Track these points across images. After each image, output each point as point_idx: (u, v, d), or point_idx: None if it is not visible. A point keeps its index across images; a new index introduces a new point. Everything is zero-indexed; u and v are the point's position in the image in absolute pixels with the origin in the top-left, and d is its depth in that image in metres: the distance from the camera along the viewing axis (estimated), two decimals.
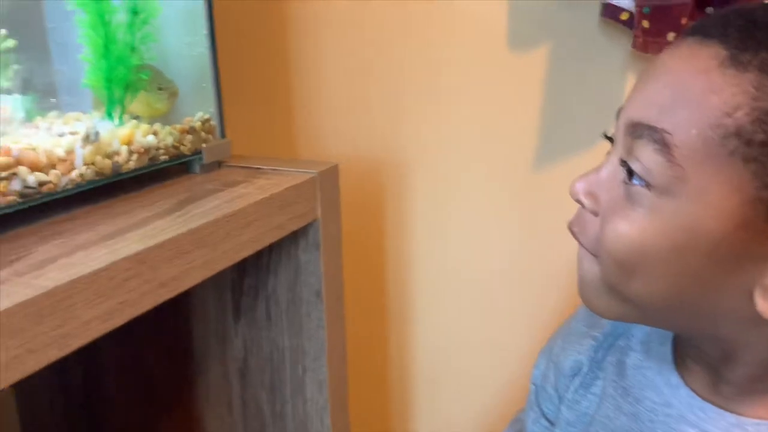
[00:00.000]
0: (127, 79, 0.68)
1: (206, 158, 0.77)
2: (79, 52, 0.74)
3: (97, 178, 0.64)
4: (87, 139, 0.63)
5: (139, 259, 0.52)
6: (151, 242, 0.54)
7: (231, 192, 0.69)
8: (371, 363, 1.08)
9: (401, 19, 0.98)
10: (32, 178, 0.58)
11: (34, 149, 0.58)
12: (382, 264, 1.06)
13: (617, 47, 0.85)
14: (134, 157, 0.68)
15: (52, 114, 0.76)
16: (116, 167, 0.66)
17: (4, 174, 0.55)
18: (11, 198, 0.56)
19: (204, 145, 0.77)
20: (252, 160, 0.82)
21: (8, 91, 0.73)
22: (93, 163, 0.64)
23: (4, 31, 0.74)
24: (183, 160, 0.75)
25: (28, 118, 0.72)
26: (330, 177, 0.78)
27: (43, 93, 0.75)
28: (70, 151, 0.61)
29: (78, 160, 0.62)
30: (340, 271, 0.82)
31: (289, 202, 0.72)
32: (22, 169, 0.57)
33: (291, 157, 1.06)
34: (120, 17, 0.67)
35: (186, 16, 0.75)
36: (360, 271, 0.99)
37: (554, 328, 0.69)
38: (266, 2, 1.00)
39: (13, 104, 0.71)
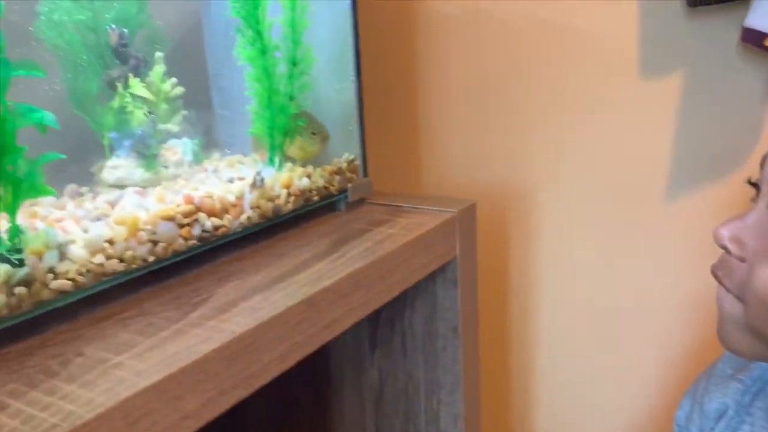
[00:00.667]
0: (286, 127, 0.73)
1: (351, 197, 0.81)
2: (238, 98, 0.80)
3: (260, 220, 0.69)
4: (254, 185, 0.68)
5: (309, 302, 0.56)
6: (318, 286, 0.58)
7: (378, 232, 0.73)
8: (495, 395, 1.09)
9: (530, 47, 0.99)
10: (209, 223, 0.63)
11: (210, 197, 0.64)
12: (506, 294, 1.07)
13: (758, 74, 0.82)
14: (291, 199, 0.73)
15: (215, 157, 0.82)
16: (277, 209, 0.71)
17: (187, 220, 0.61)
18: (192, 242, 0.62)
19: (350, 185, 0.81)
20: (391, 197, 0.86)
21: (177, 136, 0.80)
22: (258, 207, 0.69)
23: (174, 80, 0.82)
24: (331, 199, 0.79)
25: (196, 160, 0.79)
26: (468, 215, 0.80)
27: (206, 136, 0.82)
28: (239, 197, 0.67)
29: (246, 205, 0.67)
30: (476, 308, 0.84)
31: (432, 242, 0.74)
32: (202, 215, 0.63)
33: (415, 183, 1.09)
34: (280, 69, 0.72)
35: (336, 64, 0.79)
36: (484, 302, 1.01)
37: (681, 365, 0.68)
38: (394, 39, 1.04)
39: (183, 148, 0.78)
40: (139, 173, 0.72)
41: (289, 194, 0.72)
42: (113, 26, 0.72)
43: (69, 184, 0.73)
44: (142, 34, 0.81)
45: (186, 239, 0.61)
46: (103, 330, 0.52)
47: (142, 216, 0.58)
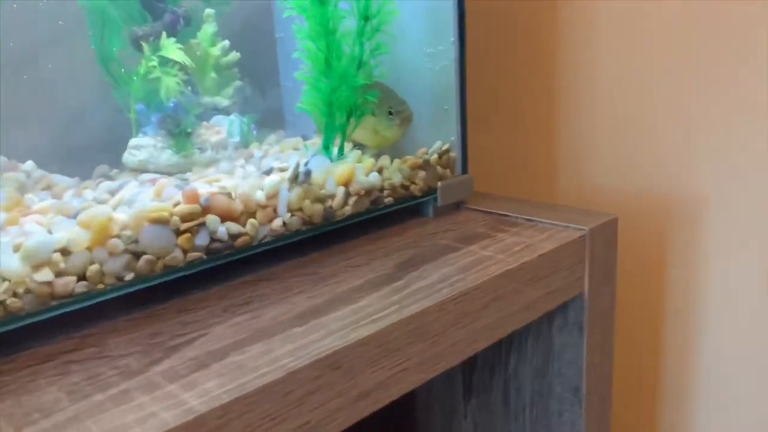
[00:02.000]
0: (351, 102, 0.54)
1: (442, 200, 0.61)
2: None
3: (303, 227, 0.51)
4: (295, 180, 0.50)
5: (330, 363, 0.37)
6: (351, 337, 0.39)
7: (467, 253, 0.52)
8: None
9: (691, 36, 0.72)
10: (223, 230, 0.46)
11: (228, 194, 0.47)
12: (654, 345, 0.81)
13: None
14: (352, 200, 0.54)
15: (271, 138, 0.65)
16: (329, 214, 0.52)
17: (188, 225, 0.44)
18: (195, 255, 0.45)
19: (440, 184, 0.60)
20: (497, 202, 0.64)
21: (226, 111, 0.64)
22: (300, 209, 0.51)
23: (225, 43, 0.66)
24: (412, 203, 0.59)
25: (244, 142, 0.62)
26: (605, 235, 0.57)
27: (266, 113, 0.65)
28: (272, 195, 0.49)
29: (282, 207, 0.49)
30: (611, 363, 0.60)
31: (546, 273, 0.52)
32: (212, 219, 0.45)
33: (535, 191, 0.85)
34: (346, 25, 0.53)
35: (428, 20, 0.59)
36: (620, 354, 0.76)
37: None
38: (525, 2, 0.81)
39: (230, 126, 0.62)
40: (165, 156, 0.57)
41: (348, 193, 0.53)
42: None
43: (100, 165, 0.60)
44: None
45: (185, 251, 0.44)
46: (27, 379, 0.36)
47: (121, 217, 0.42)
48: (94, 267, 0.40)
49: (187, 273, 0.45)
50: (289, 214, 0.50)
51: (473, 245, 0.53)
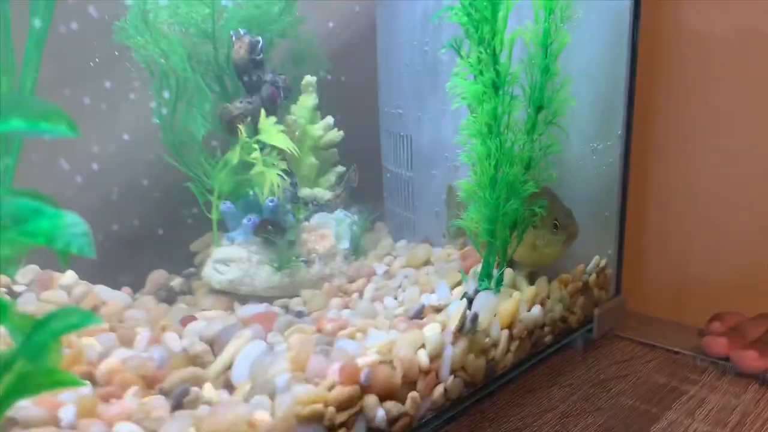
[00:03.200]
0: (517, 216, 0.41)
1: (597, 330, 0.48)
2: (424, 145, 0.50)
3: (464, 391, 0.38)
4: (460, 330, 0.37)
5: None
6: None
7: (673, 427, 0.39)
8: None
9: None
10: (382, 414, 0.33)
11: (390, 362, 0.34)
12: None
13: None
14: (514, 346, 0.41)
15: (386, 242, 0.52)
16: (490, 368, 0.40)
17: (342, 417, 0.31)
18: None
19: (597, 311, 0.48)
20: (646, 326, 0.52)
21: (328, 205, 0.51)
22: (463, 368, 0.38)
23: (329, 120, 0.52)
24: (570, 338, 0.47)
25: (354, 248, 0.49)
26: None
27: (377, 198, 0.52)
28: (437, 355, 0.36)
29: (446, 369, 0.36)
30: None
31: None
32: (371, 402, 0.32)
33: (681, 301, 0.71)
34: (515, 116, 0.41)
35: (594, 108, 0.47)
36: None
37: None
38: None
39: (337, 228, 0.48)
40: (263, 275, 0.43)
41: (511, 338, 0.41)
42: (241, 31, 0.43)
43: (155, 271, 0.46)
44: (285, 47, 0.52)
45: None
46: None
47: (263, 420, 0.29)
48: None
49: None
50: (452, 377, 0.37)
51: (670, 410, 0.41)
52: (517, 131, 0.41)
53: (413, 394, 0.35)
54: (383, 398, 0.33)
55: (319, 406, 0.30)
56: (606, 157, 0.47)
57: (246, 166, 0.46)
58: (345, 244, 0.47)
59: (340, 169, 0.52)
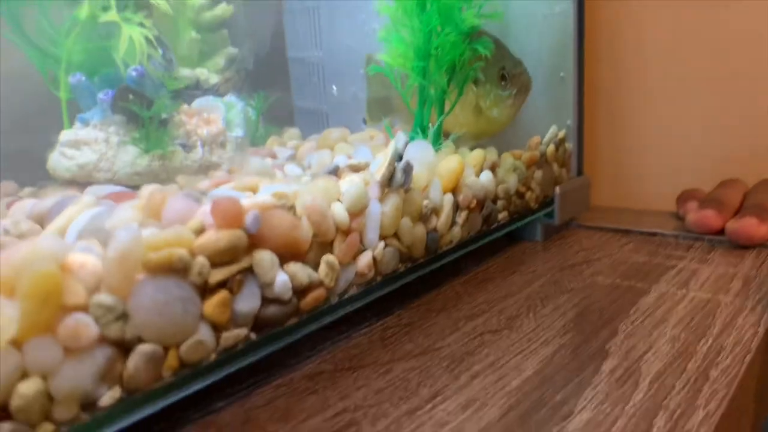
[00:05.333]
0: (455, 55, 0.32)
1: (560, 215, 0.40)
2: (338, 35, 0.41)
3: (400, 268, 0.29)
4: (389, 182, 0.27)
5: None
6: None
7: (665, 298, 0.31)
8: None
9: None
10: (284, 279, 0.23)
11: (291, 208, 0.24)
12: None
13: None
14: (461, 216, 0.32)
15: (293, 133, 0.42)
16: (432, 242, 0.30)
17: (220, 275, 0.21)
18: (235, 336, 0.22)
19: (558, 189, 0.40)
20: (609, 213, 0.45)
21: (215, 90, 0.40)
22: (396, 235, 0.28)
23: None
24: (528, 219, 0.38)
25: (252, 138, 0.39)
26: None
27: (282, 90, 0.42)
28: (358, 211, 0.26)
29: (372, 230, 0.27)
30: None
31: None
32: (264, 260, 0.22)
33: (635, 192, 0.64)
34: None
35: None
36: None
37: None
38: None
39: (228, 113, 0.38)
40: (127, 158, 0.33)
41: (457, 207, 0.32)
42: None
43: (3, 182, 0.35)
44: None
45: (218, 328, 0.21)
46: None
47: (89, 264, 0.18)
48: (30, 388, 0.17)
49: (216, 376, 0.22)
50: (381, 244, 0.27)
51: (659, 283, 0.33)
52: None
53: (329, 257, 0.25)
54: (284, 258, 0.23)
55: (181, 253, 0.20)
56: (554, 17, 0.39)
57: (107, 32, 0.35)
58: (239, 132, 0.37)
59: (232, 50, 0.42)
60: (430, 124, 0.33)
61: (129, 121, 0.34)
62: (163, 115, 0.34)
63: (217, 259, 0.21)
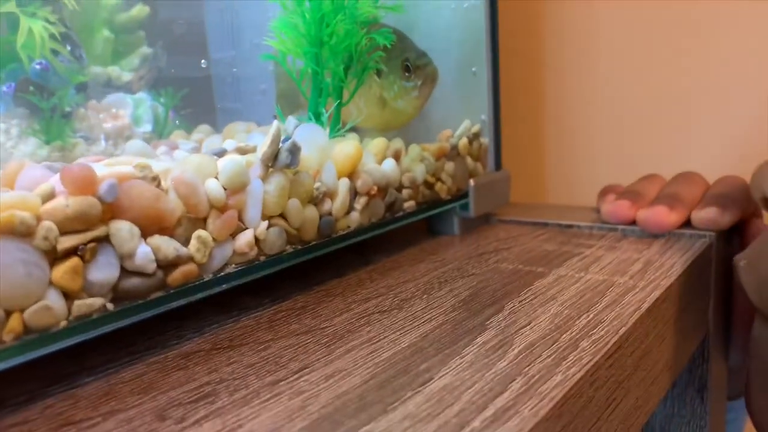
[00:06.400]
0: (350, 44, 0.33)
1: (475, 207, 0.40)
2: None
3: (288, 248, 0.29)
4: (273, 161, 0.28)
5: None
6: None
7: (563, 280, 0.31)
8: None
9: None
10: (145, 251, 0.23)
11: (154, 178, 0.24)
12: None
13: None
14: (360, 202, 0.32)
15: (203, 128, 0.42)
16: (326, 225, 0.30)
17: (69, 242, 0.21)
18: (89, 306, 0.22)
19: (472, 182, 0.40)
20: (528, 210, 0.45)
21: (128, 87, 0.41)
22: (283, 216, 0.28)
23: None
24: (439, 209, 0.38)
25: (159, 133, 0.39)
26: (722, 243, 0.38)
27: (190, 87, 0.43)
28: (236, 189, 0.26)
29: (253, 208, 0.27)
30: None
31: (685, 305, 0.32)
32: (121, 228, 0.22)
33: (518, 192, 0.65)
34: None
35: None
36: None
37: None
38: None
39: (136, 109, 0.39)
40: (27, 149, 0.33)
41: (355, 192, 0.32)
42: None
43: None
44: None
45: (69, 297, 0.21)
46: None
47: None
48: None
49: (66, 343, 0.22)
50: (265, 223, 0.27)
51: (560, 267, 0.33)
52: None
53: (201, 233, 0.25)
54: (148, 231, 0.23)
55: (23, 215, 0.20)
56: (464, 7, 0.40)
57: (11, 25, 0.35)
58: (147, 127, 0.37)
59: (147, 50, 0.42)
60: (325, 110, 0.33)
61: (32, 114, 0.34)
62: (67, 108, 0.34)
63: (68, 226, 0.21)
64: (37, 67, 0.34)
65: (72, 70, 0.36)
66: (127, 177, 0.23)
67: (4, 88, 0.34)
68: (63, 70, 0.36)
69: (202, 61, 0.45)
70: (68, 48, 0.37)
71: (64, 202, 0.21)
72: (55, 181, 0.22)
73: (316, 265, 0.35)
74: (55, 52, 0.35)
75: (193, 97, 0.42)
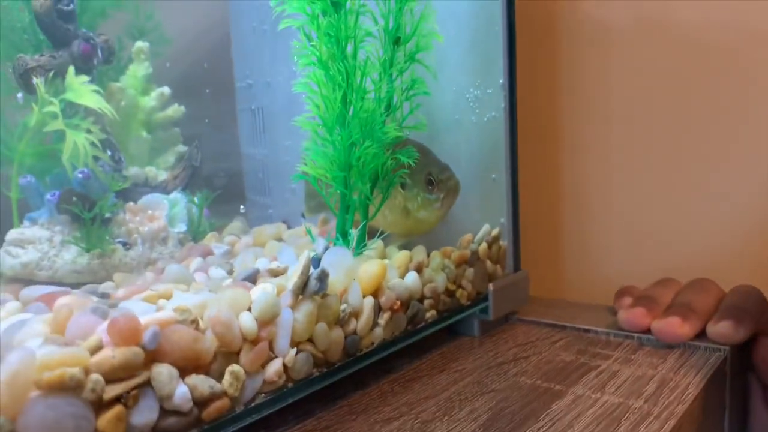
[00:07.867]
0: (377, 164, 0.34)
1: (495, 311, 0.41)
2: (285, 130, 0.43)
3: (315, 371, 0.30)
4: (302, 291, 0.29)
5: None
6: None
7: (580, 401, 0.32)
8: None
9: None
10: (183, 391, 0.24)
11: (193, 322, 0.25)
12: None
13: None
14: (383, 318, 0.33)
15: (234, 226, 0.44)
16: (352, 345, 0.31)
17: (115, 391, 0.22)
18: None
19: (492, 286, 0.41)
20: (547, 307, 0.46)
21: (164, 189, 0.43)
22: (311, 341, 0.30)
23: (165, 90, 0.45)
24: (458, 317, 0.39)
25: (193, 233, 0.41)
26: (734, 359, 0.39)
27: (223, 187, 0.45)
28: (267, 320, 0.27)
29: (283, 339, 0.28)
30: None
31: (703, 428, 0.33)
32: (162, 373, 0.24)
33: (557, 277, 0.65)
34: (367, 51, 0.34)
35: (474, 49, 0.42)
36: None
37: None
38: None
39: (171, 209, 0.40)
40: (68, 256, 0.35)
41: (379, 309, 0.33)
42: None
43: None
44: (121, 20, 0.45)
45: None
46: None
47: None
48: None
49: None
50: (293, 350, 0.29)
51: (577, 385, 0.34)
52: (369, 63, 0.34)
53: (234, 367, 0.26)
54: (186, 371, 0.25)
55: (73, 372, 0.21)
56: (488, 108, 0.42)
57: (56, 135, 0.37)
58: (181, 227, 0.39)
59: (182, 148, 0.44)
60: (353, 230, 0.34)
61: (74, 221, 0.36)
62: (106, 215, 0.36)
63: (113, 376, 0.22)
64: (80, 176, 0.36)
65: (112, 178, 0.38)
66: (169, 323, 0.24)
67: (49, 197, 0.36)
68: (103, 177, 0.38)
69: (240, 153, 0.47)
70: (108, 153, 0.39)
71: (111, 354, 0.22)
72: (101, 331, 0.23)
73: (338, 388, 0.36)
74: (95, 158, 0.37)
75: (226, 190, 0.44)
